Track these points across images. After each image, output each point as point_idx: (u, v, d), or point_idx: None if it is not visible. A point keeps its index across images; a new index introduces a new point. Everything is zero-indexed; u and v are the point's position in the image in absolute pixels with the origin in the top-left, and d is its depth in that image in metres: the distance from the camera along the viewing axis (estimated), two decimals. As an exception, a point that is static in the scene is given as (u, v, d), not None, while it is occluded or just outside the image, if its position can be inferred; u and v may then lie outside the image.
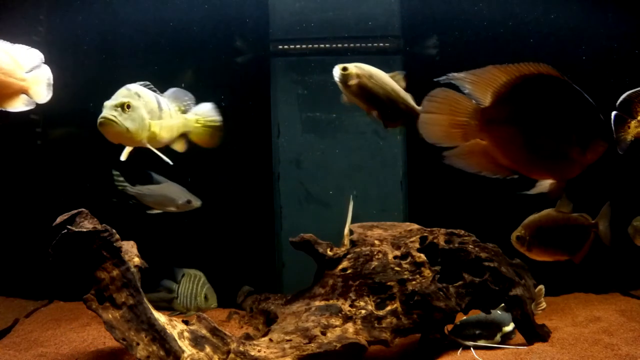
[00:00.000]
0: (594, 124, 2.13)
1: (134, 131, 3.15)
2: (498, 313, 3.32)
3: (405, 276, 3.12)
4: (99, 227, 2.80)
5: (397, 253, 3.24)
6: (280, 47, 4.69)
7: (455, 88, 2.22)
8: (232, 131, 4.67)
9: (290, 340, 2.85)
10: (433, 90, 2.19)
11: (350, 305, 3.07)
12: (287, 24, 4.66)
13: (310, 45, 4.67)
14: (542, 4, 4.62)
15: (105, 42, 4.66)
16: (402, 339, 3.06)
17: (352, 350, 2.86)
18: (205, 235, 4.54)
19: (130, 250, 3.03)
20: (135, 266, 2.93)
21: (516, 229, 3.45)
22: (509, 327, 3.26)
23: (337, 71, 3.11)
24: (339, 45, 4.64)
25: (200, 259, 4.30)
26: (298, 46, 4.69)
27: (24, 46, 3.06)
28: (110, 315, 2.70)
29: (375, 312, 3.04)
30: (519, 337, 3.24)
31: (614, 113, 2.93)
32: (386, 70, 3.33)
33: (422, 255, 3.20)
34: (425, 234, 3.31)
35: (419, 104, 3.14)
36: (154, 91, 3.43)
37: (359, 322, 3.00)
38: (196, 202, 4.07)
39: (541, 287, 3.44)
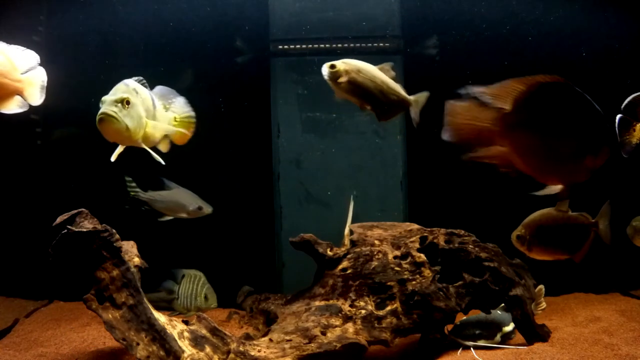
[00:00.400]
0: (602, 130, 2.23)
1: (133, 129, 2.97)
2: (498, 313, 3.31)
3: (405, 276, 3.12)
4: (99, 227, 2.80)
5: (397, 253, 3.24)
6: (280, 47, 4.69)
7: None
8: (232, 131, 4.71)
9: (290, 340, 2.85)
10: (455, 99, 2.31)
11: (350, 305, 3.07)
12: (287, 24, 4.66)
13: (310, 45, 4.67)
14: (542, 4, 4.62)
15: (106, 42, 4.66)
16: (402, 339, 3.06)
17: (352, 350, 2.85)
18: (205, 236, 4.54)
19: (130, 250, 3.03)
20: (135, 266, 2.94)
21: (516, 228, 3.45)
22: (509, 327, 3.26)
23: (325, 69, 3.14)
24: (339, 45, 4.65)
25: (201, 259, 4.31)
26: (298, 46, 4.69)
27: (19, 47, 3.02)
28: (110, 315, 2.70)
29: (375, 312, 3.04)
30: (519, 337, 3.24)
31: (619, 116, 2.93)
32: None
33: (422, 255, 3.20)
34: (425, 234, 3.31)
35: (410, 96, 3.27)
36: (147, 88, 3.29)
37: (359, 322, 3.00)
38: (207, 209, 4.06)
39: (541, 287, 3.44)
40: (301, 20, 4.64)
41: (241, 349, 2.74)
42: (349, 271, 3.22)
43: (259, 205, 4.69)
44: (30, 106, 3.07)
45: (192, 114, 3.50)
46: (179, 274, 4.06)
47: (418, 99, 3.36)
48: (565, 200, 3.35)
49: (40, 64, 3.12)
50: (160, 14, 4.61)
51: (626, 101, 2.94)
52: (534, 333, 3.19)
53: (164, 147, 3.43)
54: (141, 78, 3.21)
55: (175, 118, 3.45)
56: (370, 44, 4.64)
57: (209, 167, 4.65)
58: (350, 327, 2.96)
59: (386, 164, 4.68)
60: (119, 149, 3.17)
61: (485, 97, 2.25)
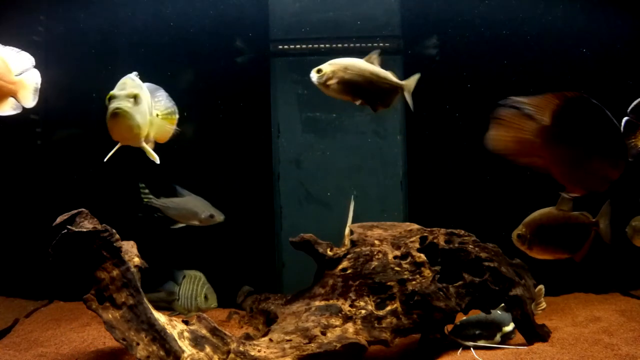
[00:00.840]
0: (620, 144, 2.38)
1: (142, 127, 2.83)
2: (498, 313, 3.31)
3: (405, 276, 3.12)
4: (99, 227, 2.79)
5: (397, 253, 3.24)
6: (280, 47, 4.69)
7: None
8: (232, 131, 4.71)
9: (290, 340, 2.85)
10: (501, 108, 2.39)
11: (350, 305, 3.07)
12: (287, 24, 4.66)
13: (310, 45, 4.67)
14: (542, 4, 4.61)
15: (105, 42, 4.66)
16: (402, 339, 3.06)
17: (352, 350, 2.85)
18: (205, 236, 4.54)
19: (130, 250, 3.03)
20: (135, 266, 2.93)
21: (517, 228, 3.45)
22: (509, 327, 3.26)
23: (313, 76, 3.22)
24: (339, 45, 4.64)
25: (201, 259, 4.30)
26: (298, 46, 4.69)
27: (14, 49, 2.98)
28: (110, 315, 2.70)
29: (375, 312, 3.04)
30: (519, 337, 3.24)
31: (625, 119, 2.93)
32: (388, 70, 3.36)
33: (422, 255, 3.20)
34: (425, 234, 3.31)
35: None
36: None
37: (359, 322, 3.00)
38: (219, 217, 4.04)
39: (541, 287, 3.44)
40: (301, 20, 4.64)
41: (241, 349, 2.74)
42: (349, 271, 3.22)
43: (259, 205, 4.69)
44: (24, 108, 3.02)
45: (175, 109, 3.29)
46: (179, 275, 4.06)
47: (410, 82, 3.41)
48: (569, 200, 3.36)
49: (40, 65, 3.09)
50: (161, 13, 4.61)
51: (633, 104, 2.94)
52: (534, 333, 3.19)
53: (150, 146, 3.19)
54: (136, 73, 3.09)
55: (157, 114, 3.20)
56: (370, 44, 4.63)
57: (209, 167, 4.65)
58: (350, 327, 2.96)
59: (386, 164, 4.68)
60: (115, 148, 3.04)
61: (527, 108, 2.34)
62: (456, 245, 3.24)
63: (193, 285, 4.01)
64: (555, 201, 3.34)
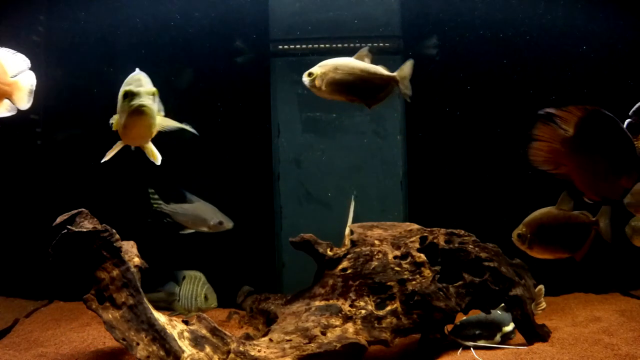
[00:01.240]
0: (633, 154, 2.47)
1: (155, 126, 2.74)
2: (498, 313, 3.31)
3: (405, 276, 3.12)
4: (99, 227, 2.80)
5: (397, 253, 3.24)
6: (280, 47, 4.69)
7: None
8: (232, 131, 4.70)
9: (290, 340, 2.85)
10: (540, 121, 2.52)
11: (350, 305, 3.07)
12: (287, 24, 4.66)
13: (310, 45, 4.67)
14: (542, 4, 4.61)
15: (105, 42, 4.66)
16: (402, 339, 3.06)
17: (352, 350, 2.85)
18: (205, 236, 4.53)
19: (130, 250, 3.03)
20: (135, 266, 2.93)
21: (517, 227, 3.44)
22: (509, 327, 3.26)
23: (305, 80, 3.22)
24: (339, 45, 4.64)
25: (201, 259, 4.30)
26: (298, 46, 4.68)
27: (10, 50, 2.94)
28: (110, 315, 2.70)
29: (375, 312, 3.04)
30: (519, 337, 3.24)
31: (627, 121, 2.93)
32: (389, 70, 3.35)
33: (422, 255, 3.20)
34: (425, 234, 3.31)
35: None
36: None
37: (359, 322, 3.00)
38: (228, 224, 4.04)
39: (541, 287, 3.44)
40: (301, 20, 4.64)
41: (241, 349, 2.74)
42: (349, 271, 3.22)
43: (259, 205, 4.69)
44: (19, 110, 2.98)
45: (161, 106, 3.08)
46: (180, 276, 4.06)
47: (403, 73, 3.34)
48: (569, 200, 3.37)
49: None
50: (161, 14, 4.61)
51: (636, 106, 2.94)
52: (534, 333, 3.19)
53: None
54: (138, 70, 2.95)
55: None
56: (370, 44, 4.63)
57: (209, 167, 4.65)
58: (350, 327, 2.96)
59: (386, 164, 4.68)
60: (114, 150, 2.97)
61: (556, 118, 2.46)
62: (456, 245, 3.24)
63: (193, 285, 4.01)
64: (555, 201, 3.34)
